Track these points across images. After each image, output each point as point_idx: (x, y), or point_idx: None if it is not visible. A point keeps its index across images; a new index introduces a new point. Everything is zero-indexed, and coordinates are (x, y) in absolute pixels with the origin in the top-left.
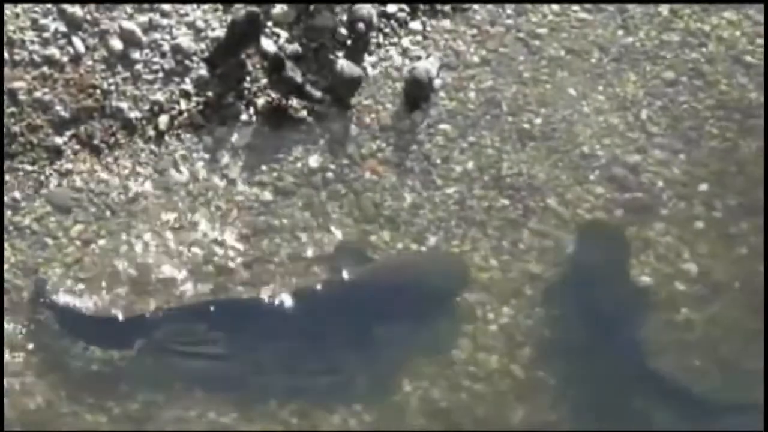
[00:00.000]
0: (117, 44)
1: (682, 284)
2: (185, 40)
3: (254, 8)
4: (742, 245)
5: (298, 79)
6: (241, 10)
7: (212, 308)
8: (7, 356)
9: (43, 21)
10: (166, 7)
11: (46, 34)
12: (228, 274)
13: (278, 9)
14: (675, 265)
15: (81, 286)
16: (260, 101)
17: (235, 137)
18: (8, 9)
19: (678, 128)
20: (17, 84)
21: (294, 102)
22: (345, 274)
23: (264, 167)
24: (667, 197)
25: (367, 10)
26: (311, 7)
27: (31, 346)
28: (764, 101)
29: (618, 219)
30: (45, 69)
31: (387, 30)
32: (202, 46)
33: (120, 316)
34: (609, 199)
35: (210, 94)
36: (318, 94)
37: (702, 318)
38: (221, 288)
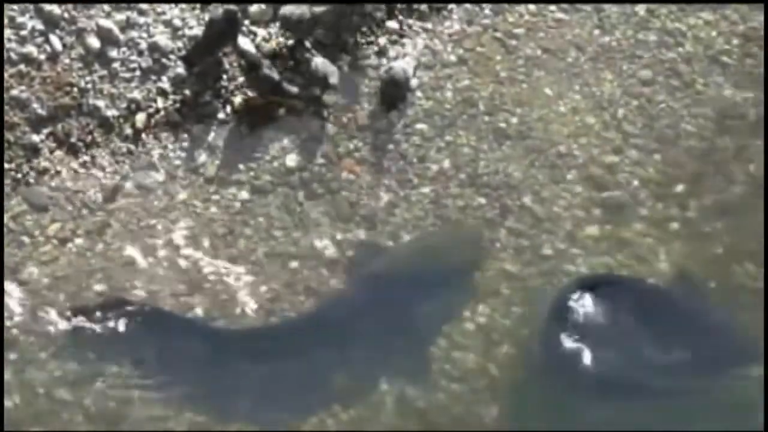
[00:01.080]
0: (94, 42)
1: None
2: (162, 38)
3: (232, 6)
4: (718, 245)
5: (275, 76)
6: (218, 8)
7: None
8: None
9: (20, 19)
10: (144, 5)
11: (23, 32)
12: (204, 273)
13: (255, 7)
14: (651, 264)
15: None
16: (237, 99)
17: (212, 136)
18: None
19: (654, 128)
20: None
21: (274, 98)
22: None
23: (241, 166)
24: (643, 196)
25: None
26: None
27: (7, 345)
28: (765, 106)
29: (595, 218)
30: (22, 67)
31: (364, 29)
32: (180, 44)
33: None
34: (586, 198)
35: (187, 92)
36: (294, 89)
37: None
38: (197, 287)
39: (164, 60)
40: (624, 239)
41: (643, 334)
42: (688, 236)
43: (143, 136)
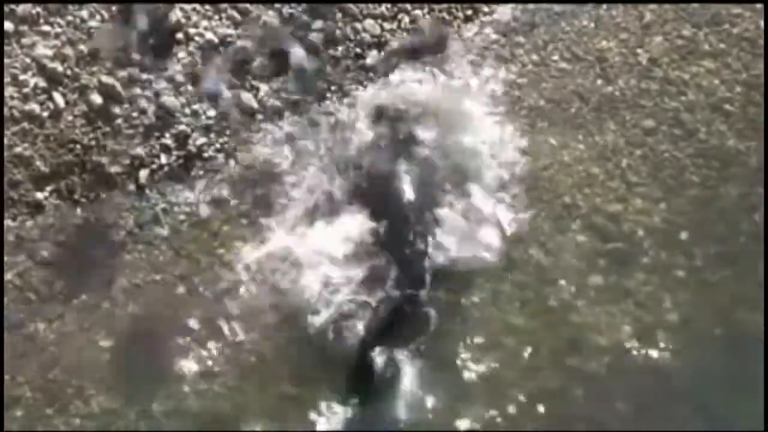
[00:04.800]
0: (97, 99)
1: (664, 333)
2: (165, 94)
3: None
4: (723, 293)
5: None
6: None
7: None
8: None
9: (23, 77)
10: (146, 61)
11: (25, 90)
12: (210, 330)
13: (257, 62)
14: (656, 314)
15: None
16: (240, 155)
17: (215, 190)
18: None
19: (658, 177)
20: None
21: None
22: None
23: (244, 221)
24: (647, 246)
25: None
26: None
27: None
28: (764, 95)
29: (600, 268)
30: (25, 125)
31: (364, 81)
32: (183, 100)
33: None
34: (590, 249)
35: (190, 147)
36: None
37: (684, 366)
38: (199, 341)
39: (167, 116)
40: (629, 289)
41: None
42: (693, 285)
43: (147, 191)
